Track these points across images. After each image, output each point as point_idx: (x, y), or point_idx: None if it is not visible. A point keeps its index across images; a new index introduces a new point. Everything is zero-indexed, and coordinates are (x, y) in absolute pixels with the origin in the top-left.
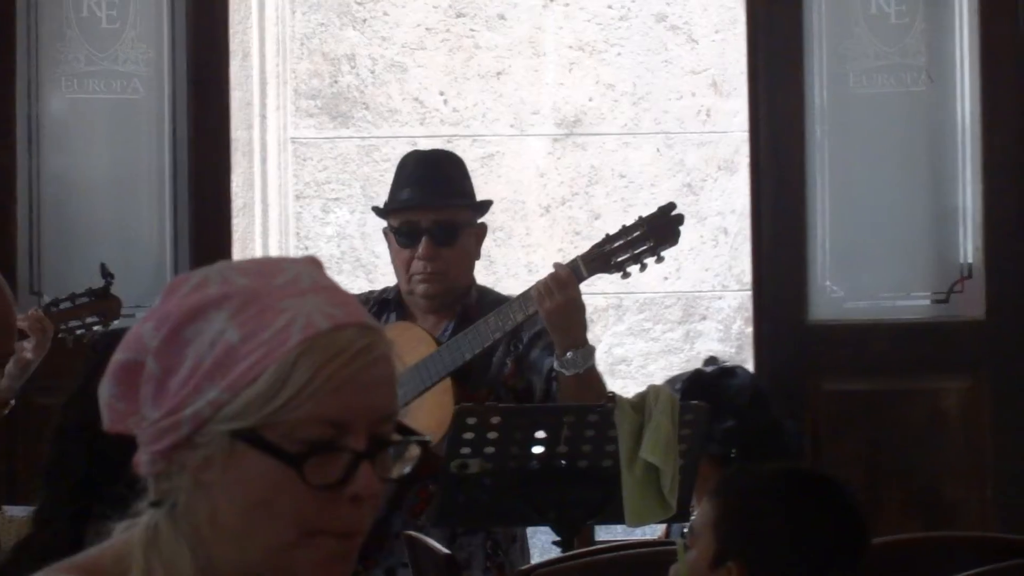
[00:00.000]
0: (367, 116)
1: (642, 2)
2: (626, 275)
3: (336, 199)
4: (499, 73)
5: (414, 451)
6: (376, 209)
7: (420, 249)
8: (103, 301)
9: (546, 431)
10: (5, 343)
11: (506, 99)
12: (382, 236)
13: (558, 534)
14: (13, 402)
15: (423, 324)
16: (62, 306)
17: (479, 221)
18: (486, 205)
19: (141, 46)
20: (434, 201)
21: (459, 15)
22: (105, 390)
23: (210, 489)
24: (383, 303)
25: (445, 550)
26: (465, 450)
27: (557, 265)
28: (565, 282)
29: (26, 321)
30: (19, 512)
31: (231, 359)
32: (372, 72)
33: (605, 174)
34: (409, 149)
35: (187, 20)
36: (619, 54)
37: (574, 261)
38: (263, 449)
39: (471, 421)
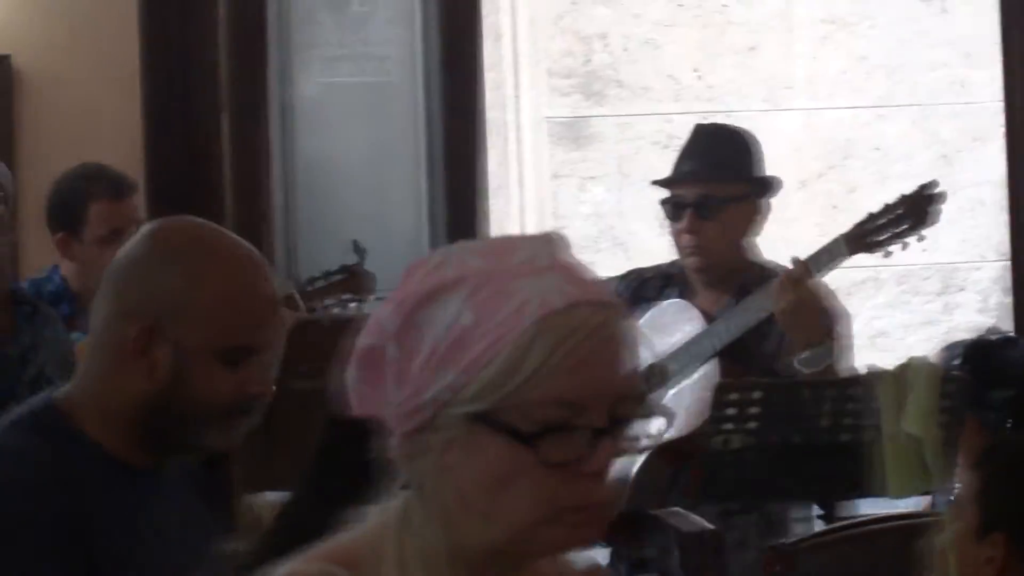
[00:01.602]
0: (621, 94)
1: None
2: (887, 254)
3: (592, 177)
4: (751, 48)
5: (659, 425)
6: (654, 183)
7: (684, 222)
8: (357, 278)
9: (808, 405)
10: (260, 336)
11: (759, 74)
12: (639, 214)
13: (821, 507)
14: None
15: (703, 298)
16: (316, 285)
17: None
18: (764, 182)
19: (393, 29)
20: (696, 175)
21: None
22: (351, 375)
23: (454, 471)
24: (667, 277)
25: (709, 525)
26: (727, 425)
27: (794, 260)
28: (798, 281)
29: None
30: (278, 498)
31: (466, 342)
32: (625, 50)
33: (860, 147)
34: (663, 126)
35: (438, 2)
36: (871, 26)
37: (835, 240)
38: (500, 430)
39: (733, 397)
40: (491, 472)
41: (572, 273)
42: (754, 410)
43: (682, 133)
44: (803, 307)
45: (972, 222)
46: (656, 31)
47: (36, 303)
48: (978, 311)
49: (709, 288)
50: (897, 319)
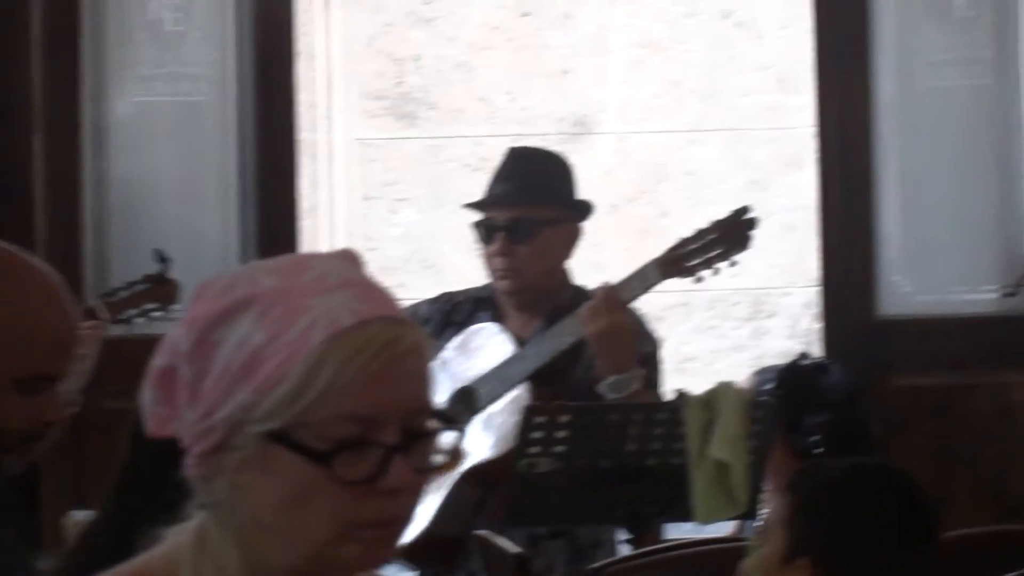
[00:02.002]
0: (433, 116)
1: (706, 0)
2: (699, 279)
3: (403, 200)
4: (565, 71)
5: (453, 440)
6: (467, 206)
7: (495, 245)
8: (161, 287)
9: (615, 429)
10: (59, 364)
11: (572, 97)
12: (449, 236)
13: (630, 532)
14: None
15: (514, 322)
16: (120, 295)
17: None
18: (578, 205)
19: (207, 48)
20: (509, 198)
21: (524, 14)
22: (147, 396)
23: (249, 490)
24: (477, 301)
25: (516, 549)
26: (534, 449)
27: (606, 285)
28: (609, 307)
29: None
30: (87, 517)
31: (258, 361)
32: (438, 72)
33: (672, 171)
34: (475, 149)
35: (253, 22)
36: (685, 51)
37: (647, 265)
38: (293, 449)
39: (540, 420)
40: (286, 491)
41: (363, 290)
42: (561, 434)
43: (494, 156)
44: (612, 333)
45: (782, 248)
46: (470, 54)
47: None
48: (787, 337)
49: (521, 312)
50: (707, 344)
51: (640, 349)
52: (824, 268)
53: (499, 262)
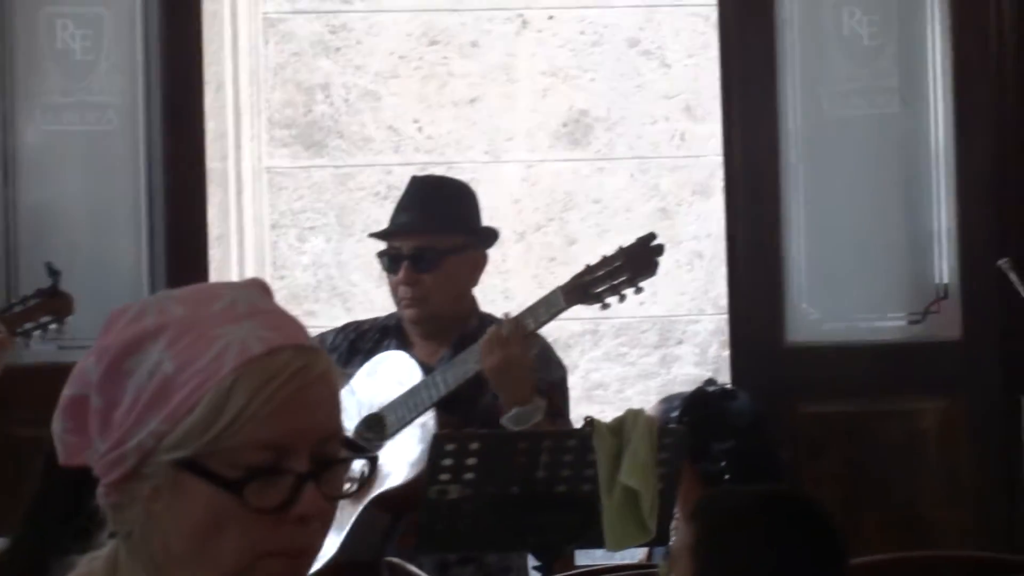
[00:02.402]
0: (341, 145)
1: (614, 27)
2: (605, 306)
3: (312, 228)
4: (473, 100)
5: (363, 467)
6: (372, 235)
7: (400, 274)
8: (54, 299)
9: (525, 456)
10: None
11: (480, 126)
12: (358, 265)
13: (538, 559)
14: None
15: (421, 350)
16: (14, 310)
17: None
18: (482, 233)
19: (115, 77)
20: (412, 227)
21: (432, 43)
22: (57, 425)
23: (161, 518)
24: (384, 329)
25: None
26: (444, 476)
27: (504, 318)
28: (506, 340)
29: None
30: None
31: (168, 390)
32: (346, 101)
33: (580, 199)
34: (383, 177)
35: (161, 51)
36: (592, 79)
37: (553, 292)
38: (204, 477)
39: (450, 447)
40: (197, 519)
41: (272, 319)
42: (471, 461)
43: (403, 184)
44: (508, 367)
45: (691, 275)
46: (377, 83)
47: None
48: (696, 364)
49: (427, 340)
50: (615, 372)
51: (546, 377)
52: (732, 296)
53: (404, 291)
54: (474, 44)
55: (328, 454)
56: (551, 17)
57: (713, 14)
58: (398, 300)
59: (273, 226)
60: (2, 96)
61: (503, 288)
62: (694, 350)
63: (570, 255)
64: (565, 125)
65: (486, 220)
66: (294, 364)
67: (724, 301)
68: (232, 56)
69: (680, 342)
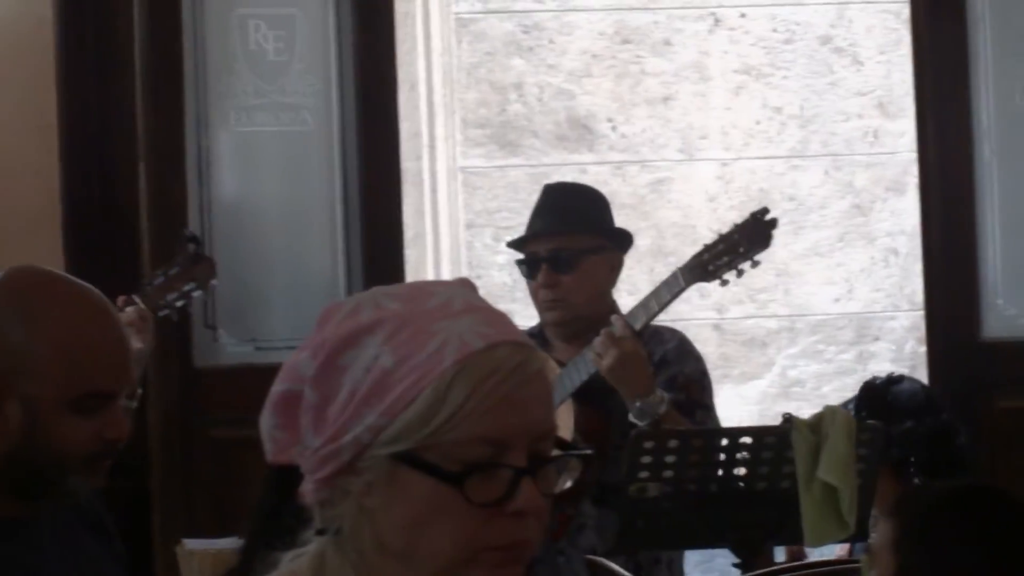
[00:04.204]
0: (536, 144)
1: (806, 25)
2: (724, 282)
3: (507, 228)
4: (666, 98)
5: (574, 465)
6: (509, 245)
7: (540, 277)
8: (195, 266)
9: (724, 453)
10: (112, 381)
11: (674, 124)
12: None
13: (738, 556)
14: (140, 390)
15: (562, 354)
16: (156, 283)
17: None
18: (616, 234)
19: (309, 78)
20: (548, 229)
21: (625, 41)
22: (266, 421)
23: (374, 513)
24: (529, 337)
25: (627, 574)
26: (643, 474)
27: (615, 319)
28: (618, 338)
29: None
30: (198, 545)
31: (386, 384)
32: (540, 100)
33: (774, 197)
34: (578, 176)
35: (354, 51)
36: (785, 77)
37: (674, 273)
38: (424, 470)
39: (648, 445)
40: (413, 513)
41: (488, 315)
42: (670, 459)
43: (597, 183)
44: (626, 362)
45: (886, 272)
46: (571, 81)
47: None
48: (892, 360)
49: (568, 343)
50: (812, 369)
51: (683, 370)
52: (928, 292)
53: (545, 293)
54: (667, 43)
55: (543, 451)
56: (743, 15)
57: (905, 10)
58: (539, 304)
59: (468, 226)
60: (196, 98)
61: (699, 285)
62: (890, 347)
63: (766, 253)
64: (758, 123)
65: (682, 217)
66: (513, 360)
67: (920, 297)
68: (425, 56)
69: (876, 339)
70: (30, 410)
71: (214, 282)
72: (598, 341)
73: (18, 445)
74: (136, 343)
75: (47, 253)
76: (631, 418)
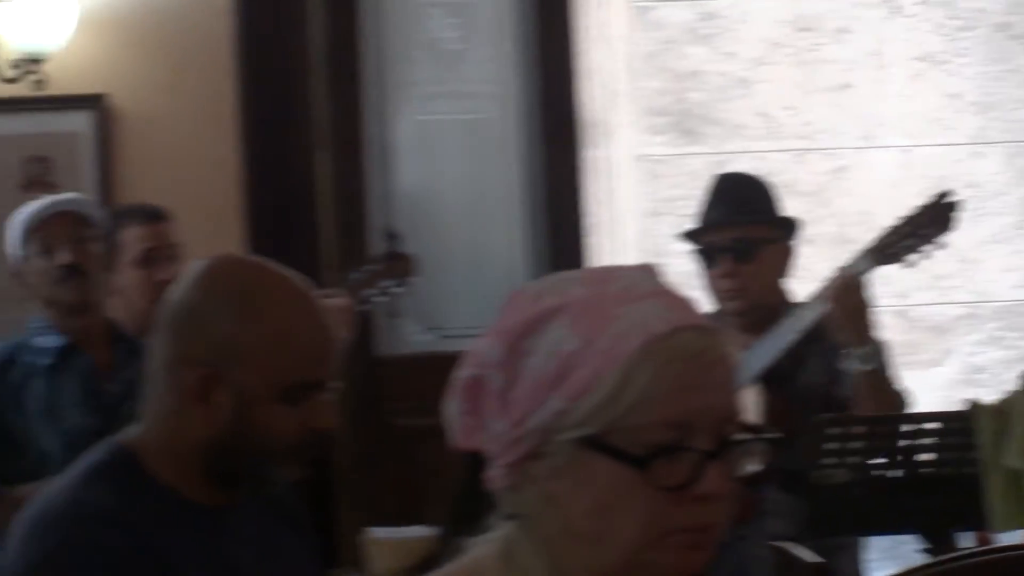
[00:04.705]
0: (716, 132)
1: (983, 12)
2: (909, 265)
3: (689, 215)
4: (844, 86)
5: (759, 449)
6: (683, 235)
7: (720, 267)
8: (395, 262)
9: (908, 439)
10: (319, 371)
11: (852, 112)
12: None
13: (928, 541)
14: (339, 385)
15: (737, 344)
16: (357, 277)
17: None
18: (791, 223)
19: (487, 66)
20: (729, 219)
21: (803, 29)
22: (452, 407)
23: (559, 499)
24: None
25: (816, 559)
26: (830, 460)
27: (843, 268)
28: (852, 286)
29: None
30: (383, 534)
31: (570, 368)
32: (719, 88)
33: (954, 184)
34: (757, 164)
35: (534, 39)
36: (963, 64)
37: (860, 255)
38: (608, 454)
39: (834, 431)
40: (599, 497)
41: (671, 300)
42: (855, 445)
43: (776, 171)
44: (856, 308)
45: None
46: (749, 69)
47: (135, 339)
48: None
49: (745, 333)
50: (994, 355)
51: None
52: None
53: (726, 283)
54: (844, 30)
55: (729, 434)
56: (920, 2)
57: None
58: (718, 294)
59: (650, 214)
60: (377, 86)
61: (880, 272)
62: None
63: (947, 238)
64: (937, 110)
65: (862, 205)
66: (697, 344)
67: None
68: (605, 43)
69: None
70: (239, 398)
71: (414, 279)
72: (832, 284)
73: (225, 432)
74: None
75: (228, 242)
76: (849, 364)
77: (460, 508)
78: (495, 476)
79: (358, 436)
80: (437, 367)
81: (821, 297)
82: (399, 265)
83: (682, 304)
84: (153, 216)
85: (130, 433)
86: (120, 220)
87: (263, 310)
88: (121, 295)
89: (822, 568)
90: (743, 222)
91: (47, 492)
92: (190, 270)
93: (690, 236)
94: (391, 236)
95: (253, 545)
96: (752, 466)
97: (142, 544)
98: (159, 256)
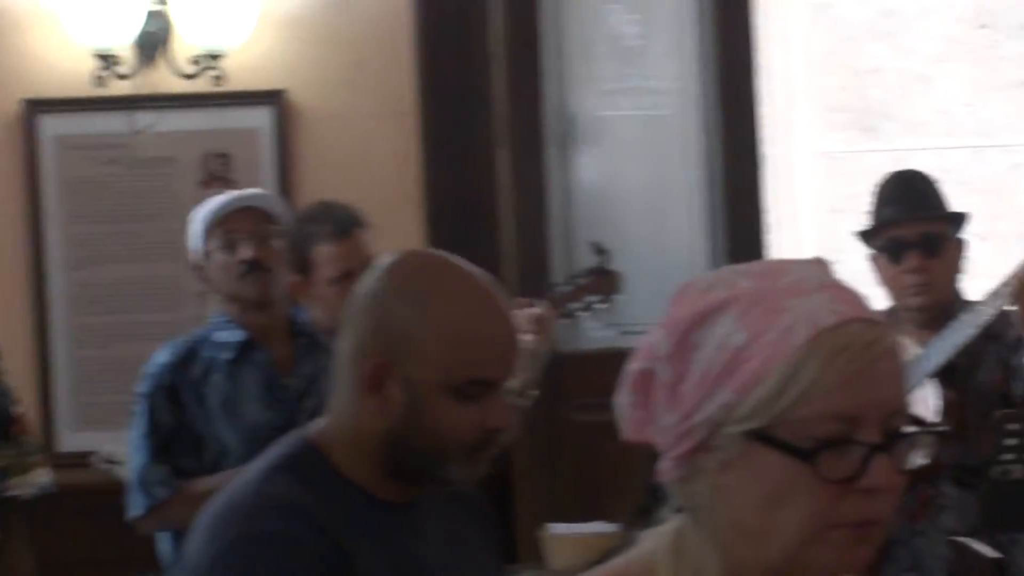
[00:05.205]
0: (895, 128)
1: None
2: None
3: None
4: (1022, 83)
5: (927, 442)
6: (861, 234)
7: (908, 262)
8: (601, 278)
9: None
10: (496, 369)
11: None
12: None
13: None
14: (536, 392)
15: (912, 340)
16: (561, 290)
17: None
18: (963, 219)
19: (667, 62)
20: (916, 214)
21: (982, 26)
22: (623, 399)
23: (728, 492)
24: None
25: (994, 554)
26: (1008, 456)
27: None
28: None
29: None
30: (562, 530)
31: (738, 361)
32: (899, 84)
33: None
34: (936, 161)
35: (714, 36)
36: None
37: None
38: (777, 447)
39: (1013, 427)
40: (767, 491)
41: (840, 293)
42: None
43: (955, 167)
44: None
45: None
46: (929, 66)
47: (315, 334)
48: None
49: (922, 329)
50: None
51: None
52: None
53: (913, 278)
54: (1023, 27)
55: (897, 427)
56: None
57: None
58: (902, 289)
59: (829, 210)
60: (558, 82)
61: None
62: None
63: None
64: None
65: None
66: (865, 336)
67: None
68: (784, 40)
69: None
70: (412, 392)
71: (618, 296)
72: (1013, 281)
73: (398, 426)
74: (532, 343)
75: (407, 238)
76: None
77: (640, 503)
78: (666, 469)
79: (537, 432)
80: (617, 363)
81: (1000, 293)
82: (605, 281)
83: (851, 297)
84: (344, 231)
85: (315, 427)
86: (310, 232)
87: (439, 305)
88: (318, 300)
89: (1001, 563)
90: (929, 217)
91: (232, 485)
92: (377, 264)
93: (869, 233)
94: (600, 251)
95: (436, 542)
96: (921, 460)
97: (325, 536)
98: (354, 273)
